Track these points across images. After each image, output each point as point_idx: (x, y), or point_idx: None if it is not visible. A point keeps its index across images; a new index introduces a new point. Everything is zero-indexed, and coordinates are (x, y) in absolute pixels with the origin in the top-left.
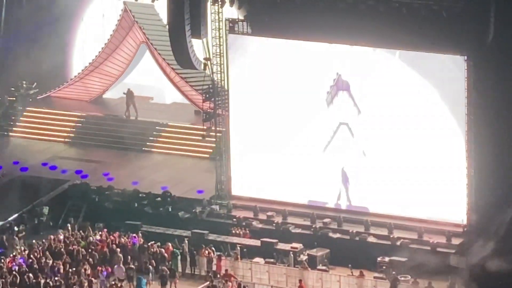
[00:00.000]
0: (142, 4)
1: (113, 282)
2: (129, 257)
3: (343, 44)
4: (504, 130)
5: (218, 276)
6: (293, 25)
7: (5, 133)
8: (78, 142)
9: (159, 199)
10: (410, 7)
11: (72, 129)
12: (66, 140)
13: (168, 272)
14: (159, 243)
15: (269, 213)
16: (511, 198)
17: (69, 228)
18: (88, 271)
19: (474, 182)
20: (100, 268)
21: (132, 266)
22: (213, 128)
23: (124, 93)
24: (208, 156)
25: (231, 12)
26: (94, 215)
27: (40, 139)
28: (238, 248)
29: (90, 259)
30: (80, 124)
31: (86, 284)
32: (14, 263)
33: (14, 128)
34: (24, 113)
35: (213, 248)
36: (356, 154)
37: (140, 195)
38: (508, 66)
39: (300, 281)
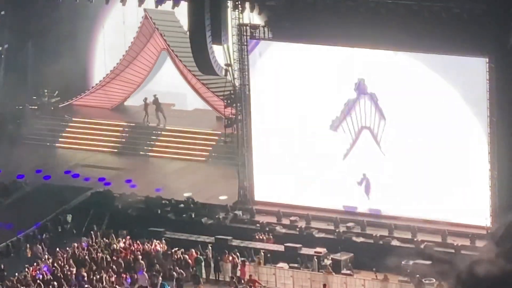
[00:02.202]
0: (163, 11)
1: None
2: (153, 263)
3: (364, 48)
4: None
5: (242, 281)
6: (313, 30)
7: (29, 141)
8: (101, 149)
9: (182, 205)
10: (431, 10)
11: (95, 137)
12: (89, 148)
13: (184, 276)
14: (182, 250)
15: (293, 218)
16: None
17: (93, 235)
18: (112, 279)
19: (497, 183)
20: (124, 275)
21: (156, 272)
22: (235, 133)
23: (143, 101)
24: (229, 162)
25: (252, 17)
26: (117, 222)
27: (64, 147)
28: (262, 253)
29: (114, 267)
30: (103, 132)
31: None
32: (38, 272)
33: (37, 137)
34: (46, 121)
35: (237, 254)
36: (378, 158)
37: (163, 201)
38: None
39: (324, 285)
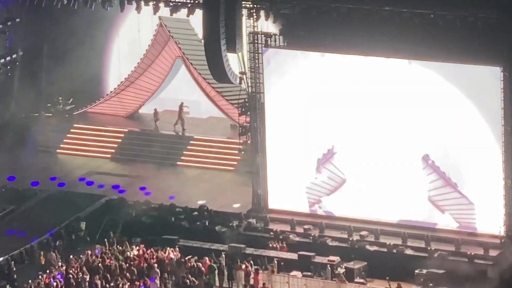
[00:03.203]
0: (178, 19)
1: None
2: (166, 271)
3: (378, 57)
4: None
5: None
6: (328, 38)
7: (43, 148)
8: (115, 157)
9: (196, 213)
10: (446, 19)
11: (108, 145)
12: (103, 155)
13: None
14: (196, 258)
15: (306, 226)
16: None
17: (106, 243)
18: (126, 286)
19: (511, 192)
20: (137, 283)
21: (169, 280)
22: (249, 142)
23: (154, 110)
24: (243, 169)
25: (266, 26)
26: (131, 230)
27: (77, 154)
28: (275, 261)
29: (128, 274)
30: (117, 140)
31: None
32: (51, 279)
33: (51, 144)
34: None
35: (251, 262)
36: (389, 165)
37: (177, 209)
38: None
39: None
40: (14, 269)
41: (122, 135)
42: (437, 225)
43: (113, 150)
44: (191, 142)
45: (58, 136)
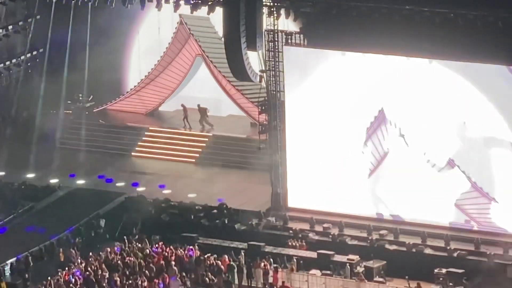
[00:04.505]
0: (198, 16)
1: None
2: (185, 269)
3: (399, 56)
4: None
5: None
6: (348, 37)
7: (63, 145)
8: (136, 154)
9: (215, 211)
10: (466, 18)
11: (130, 142)
12: (124, 152)
13: (215, 282)
14: (215, 256)
15: (325, 225)
16: None
17: (126, 240)
18: (145, 284)
19: None
20: (156, 281)
21: (188, 279)
22: (269, 140)
23: (182, 106)
24: (263, 168)
25: (287, 24)
26: (150, 227)
27: (99, 151)
28: (295, 260)
29: (147, 272)
30: (138, 137)
31: None
32: (70, 276)
33: (71, 141)
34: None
35: (270, 260)
36: (410, 166)
37: (197, 207)
38: None
39: None
40: (31, 264)
41: (142, 132)
42: (456, 225)
43: (133, 148)
44: (211, 140)
45: (78, 133)
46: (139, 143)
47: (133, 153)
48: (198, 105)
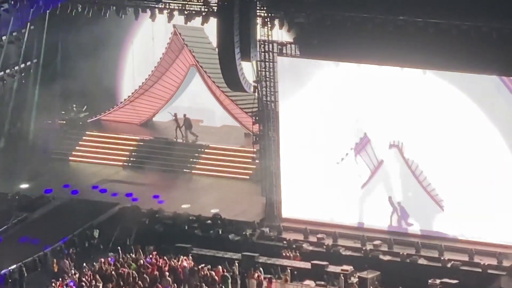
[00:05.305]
0: (192, 27)
1: None
2: (178, 280)
3: (392, 67)
4: None
5: None
6: (342, 47)
7: (57, 156)
8: (128, 165)
9: (209, 222)
10: (460, 29)
11: (122, 152)
12: (116, 163)
13: None
14: (209, 266)
15: (320, 235)
16: None
17: (120, 251)
18: None
19: None
20: None
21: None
22: (262, 150)
23: (172, 115)
24: (257, 178)
25: (281, 34)
26: (144, 238)
27: (90, 162)
28: (289, 270)
29: (141, 282)
30: (131, 148)
31: None
32: (64, 287)
33: (65, 152)
34: (74, 137)
35: (260, 269)
36: (405, 177)
37: (190, 218)
38: None
39: None
40: (26, 275)
41: (135, 142)
42: (450, 235)
43: (125, 158)
44: (205, 150)
45: (72, 143)
46: (133, 154)
47: (124, 164)
48: (184, 115)
